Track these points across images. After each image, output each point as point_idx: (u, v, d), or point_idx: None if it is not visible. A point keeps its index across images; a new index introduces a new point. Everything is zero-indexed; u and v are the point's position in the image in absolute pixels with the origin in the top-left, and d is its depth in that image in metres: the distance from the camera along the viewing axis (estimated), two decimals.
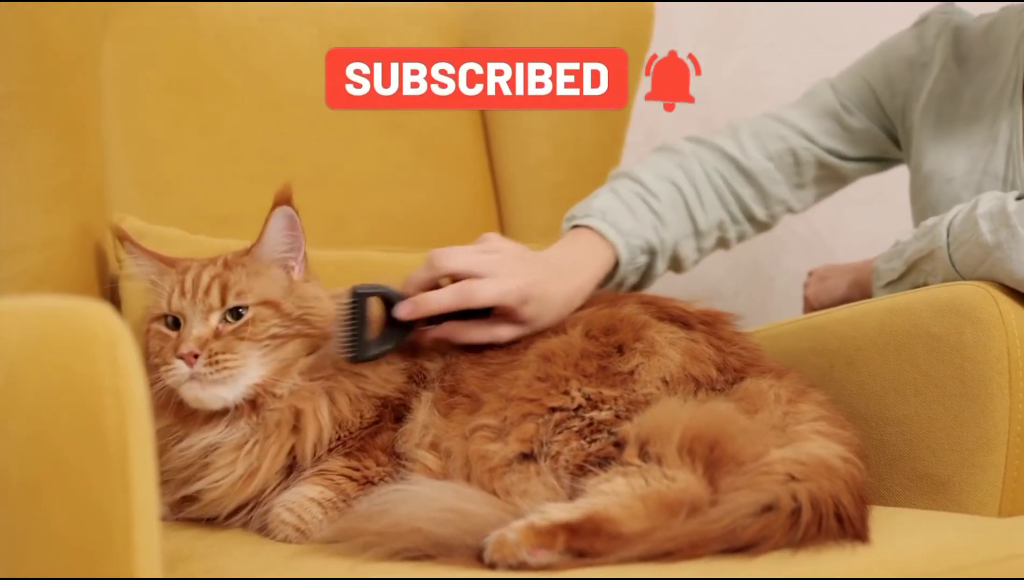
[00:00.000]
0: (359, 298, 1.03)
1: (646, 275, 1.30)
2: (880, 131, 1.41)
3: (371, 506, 0.90)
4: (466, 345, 1.07)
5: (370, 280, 1.07)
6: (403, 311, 1.05)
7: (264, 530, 0.99)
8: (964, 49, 1.34)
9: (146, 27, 1.41)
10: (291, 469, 1.01)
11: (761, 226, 1.41)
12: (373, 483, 0.99)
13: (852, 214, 1.91)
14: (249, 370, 1.00)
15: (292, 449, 1.00)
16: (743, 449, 0.90)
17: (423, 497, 0.89)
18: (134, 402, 0.66)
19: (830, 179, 1.42)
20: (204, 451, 1.00)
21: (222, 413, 1.01)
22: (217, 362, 0.98)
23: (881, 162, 1.45)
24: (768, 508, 0.84)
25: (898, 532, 0.92)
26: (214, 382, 0.98)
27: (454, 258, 1.06)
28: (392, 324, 1.05)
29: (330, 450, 1.01)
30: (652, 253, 1.28)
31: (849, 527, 0.86)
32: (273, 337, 1.01)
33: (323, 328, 1.04)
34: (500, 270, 1.06)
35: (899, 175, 1.50)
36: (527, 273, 1.07)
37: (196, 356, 0.98)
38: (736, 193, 1.36)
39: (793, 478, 0.87)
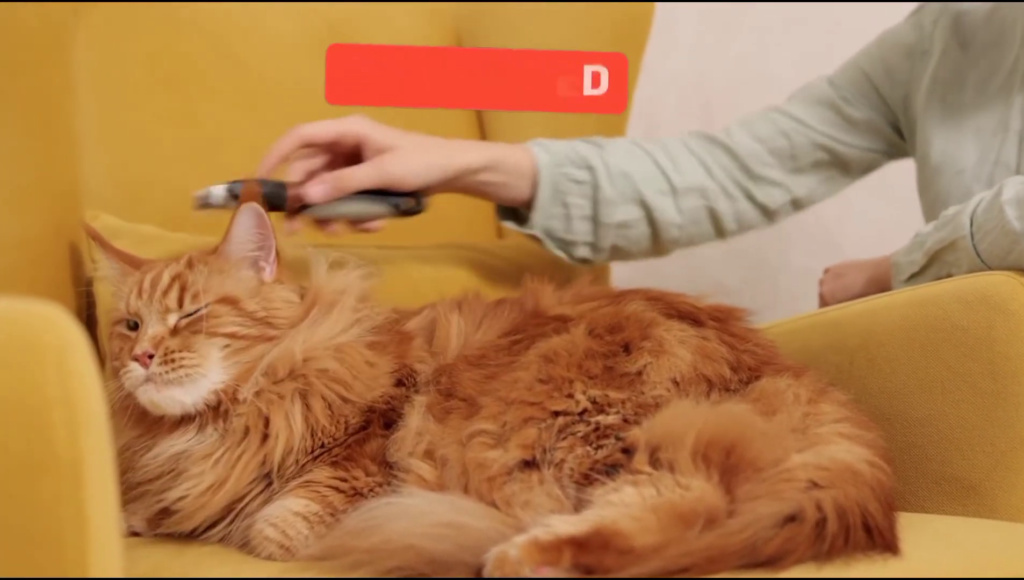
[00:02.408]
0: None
1: (597, 200, 1.28)
2: (884, 123, 1.38)
3: (360, 521, 0.85)
4: (357, 189, 1.14)
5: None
6: (313, 190, 1.13)
7: (247, 546, 0.93)
8: (967, 33, 1.31)
9: (122, 17, 1.36)
10: (270, 478, 0.95)
11: (763, 210, 1.37)
12: (363, 495, 0.93)
13: (860, 206, 1.86)
14: (211, 372, 0.95)
15: (265, 459, 0.94)
16: (761, 454, 0.84)
17: (416, 511, 0.83)
18: (88, 415, 0.59)
19: (832, 165, 1.38)
20: (174, 460, 0.95)
21: (190, 420, 0.96)
22: (172, 361, 0.93)
23: (887, 155, 1.42)
24: (791, 518, 0.78)
25: (929, 541, 0.87)
26: (169, 383, 0.93)
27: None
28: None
29: (315, 459, 0.95)
30: (590, 169, 1.27)
31: (878, 537, 0.81)
32: (232, 335, 0.96)
33: (280, 334, 0.99)
34: None
35: (907, 166, 1.47)
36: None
37: (151, 357, 0.93)
38: (723, 165, 1.34)
39: (816, 485, 0.82)
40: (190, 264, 1.00)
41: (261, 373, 0.95)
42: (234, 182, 1.10)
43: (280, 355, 0.96)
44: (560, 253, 1.30)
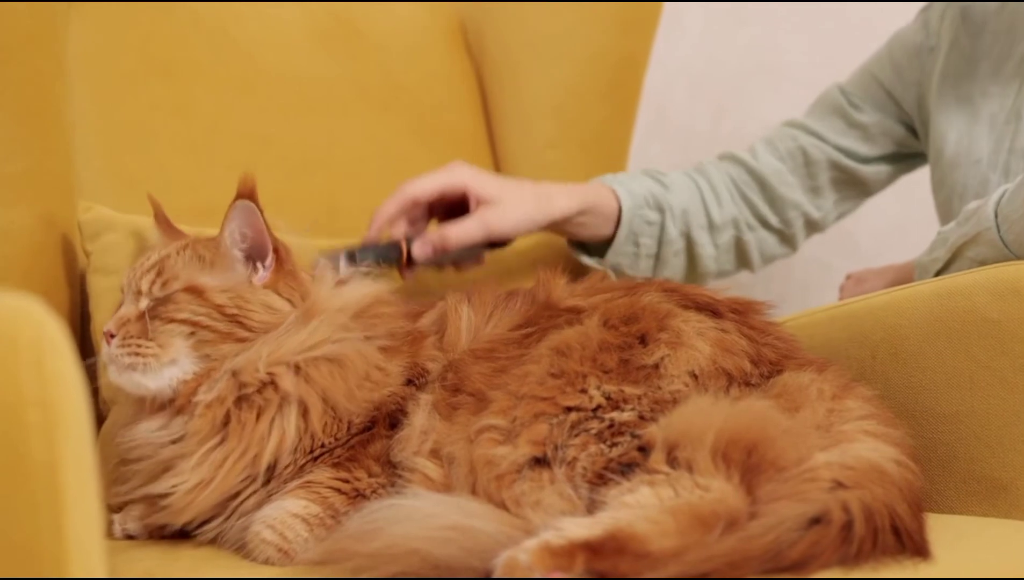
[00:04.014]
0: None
1: (662, 240, 1.30)
2: (896, 124, 1.38)
3: (363, 524, 0.81)
4: (462, 246, 1.16)
5: None
6: (420, 250, 1.16)
7: (243, 549, 0.89)
8: (977, 23, 1.30)
9: (116, 4, 1.32)
10: (266, 478, 0.92)
11: (780, 235, 1.39)
12: (365, 496, 0.89)
13: (875, 198, 1.82)
14: (179, 361, 0.93)
15: (254, 461, 0.90)
16: (784, 452, 0.80)
17: (421, 513, 0.80)
18: (67, 417, 0.55)
19: (847, 183, 1.39)
20: (152, 447, 0.93)
21: (167, 405, 0.94)
22: (129, 346, 0.92)
23: (901, 161, 1.41)
24: (816, 521, 0.74)
25: (958, 544, 0.84)
26: (126, 367, 0.92)
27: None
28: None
29: (315, 460, 0.91)
30: (661, 210, 1.29)
31: (907, 540, 0.77)
32: (190, 323, 0.93)
33: (251, 337, 0.95)
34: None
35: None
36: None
37: (113, 336, 0.93)
38: (746, 197, 1.36)
39: (841, 485, 0.78)
40: (181, 250, 0.98)
41: (225, 377, 0.92)
42: (349, 252, 1.10)
43: (244, 363, 0.92)
44: None
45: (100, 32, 1.30)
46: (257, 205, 0.96)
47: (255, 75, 1.38)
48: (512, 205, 1.18)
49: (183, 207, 1.28)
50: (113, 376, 0.93)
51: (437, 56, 1.53)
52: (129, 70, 1.32)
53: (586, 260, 1.32)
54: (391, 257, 1.16)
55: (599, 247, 1.31)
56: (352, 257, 1.11)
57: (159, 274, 0.95)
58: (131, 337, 0.92)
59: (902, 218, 1.85)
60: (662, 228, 1.30)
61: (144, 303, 0.94)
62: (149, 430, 0.93)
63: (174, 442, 0.92)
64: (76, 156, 1.25)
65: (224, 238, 0.97)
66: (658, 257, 1.32)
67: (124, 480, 0.95)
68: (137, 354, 0.91)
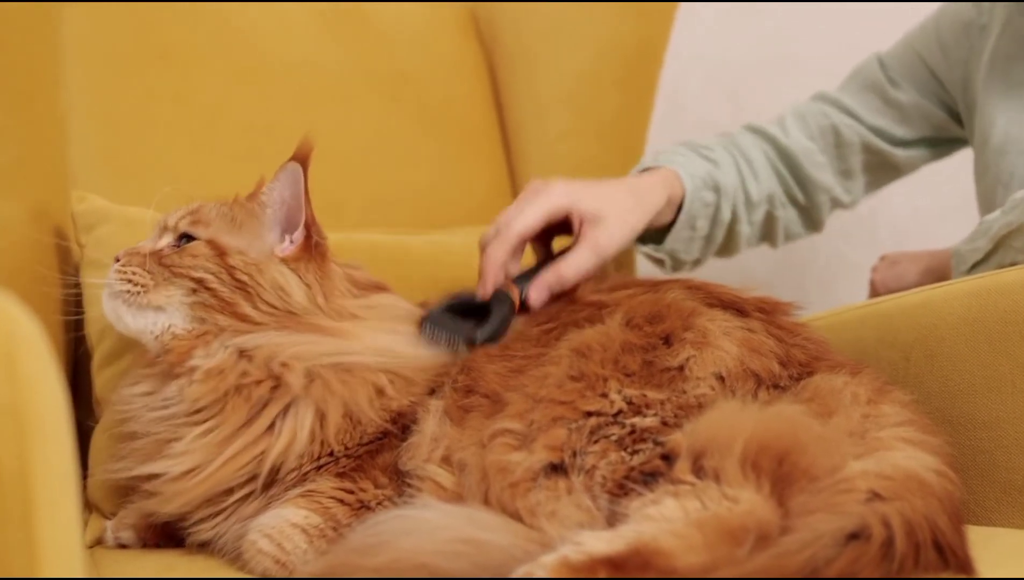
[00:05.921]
0: (431, 322, 0.95)
1: (715, 221, 1.25)
2: (936, 107, 1.31)
3: (367, 537, 0.76)
4: (573, 284, 1.01)
5: (369, 263, 1.02)
6: (537, 296, 0.99)
7: (239, 560, 0.85)
8: None
9: None
10: (267, 480, 0.87)
11: (804, 214, 1.33)
12: (370, 508, 0.85)
13: (895, 192, 1.77)
14: (167, 310, 0.90)
15: (261, 457, 0.85)
16: (817, 461, 0.75)
17: (430, 525, 0.75)
18: (42, 423, 0.50)
19: (879, 167, 1.33)
20: (146, 412, 0.89)
21: (157, 362, 0.91)
22: (124, 272, 0.91)
23: (937, 146, 1.35)
24: (854, 536, 0.69)
25: (1001, 559, 0.78)
26: (114, 295, 0.92)
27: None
28: (481, 312, 0.97)
29: (320, 468, 0.86)
30: (717, 191, 1.23)
31: (951, 556, 0.71)
32: (198, 281, 0.90)
33: (256, 317, 0.91)
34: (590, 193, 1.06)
35: None
36: (612, 198, 1.07)
37: (118, 261, 0.93)
38: (779, 172, 1.30)
39: (879, 496, 0.73)
40: (221, 205, 0.96)
41: (228, 350, 0.88)
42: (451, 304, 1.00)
43: (256, 347, 0.88)
44: (666, 270, 1.28)
45: (95, 17, 1.27)
46: (305, 173, 0.93)
47: (257, 62, 1.34)
48: (616, 221, 1.06)
49: (181, 198, 1.23)
50: (104, 303, 0.93)
51: (447, 44, 1.49)
52: (125, 55, 1.28)
53: (641, 249, 1.26)
54: (511, 305, 0.99)
55: (654, 234, 1.23)
56: (456, 310, 0.98)
57: (192, 214, 0.94)
58: (131, 265, 0.91)
59: (926, 212, 1.81)
60: (717, 208, 1.23)
61: (166, 239, 0.94)
62: (143, 389, 0.90)
63: (167, 409, 0.87)
64: (71, 145, 1.21)
65: (261, 198, 0.95)
66: (709, 238, 1.25)
67: (122, 458, 0.91)
68: (128, 281, 0.90)
